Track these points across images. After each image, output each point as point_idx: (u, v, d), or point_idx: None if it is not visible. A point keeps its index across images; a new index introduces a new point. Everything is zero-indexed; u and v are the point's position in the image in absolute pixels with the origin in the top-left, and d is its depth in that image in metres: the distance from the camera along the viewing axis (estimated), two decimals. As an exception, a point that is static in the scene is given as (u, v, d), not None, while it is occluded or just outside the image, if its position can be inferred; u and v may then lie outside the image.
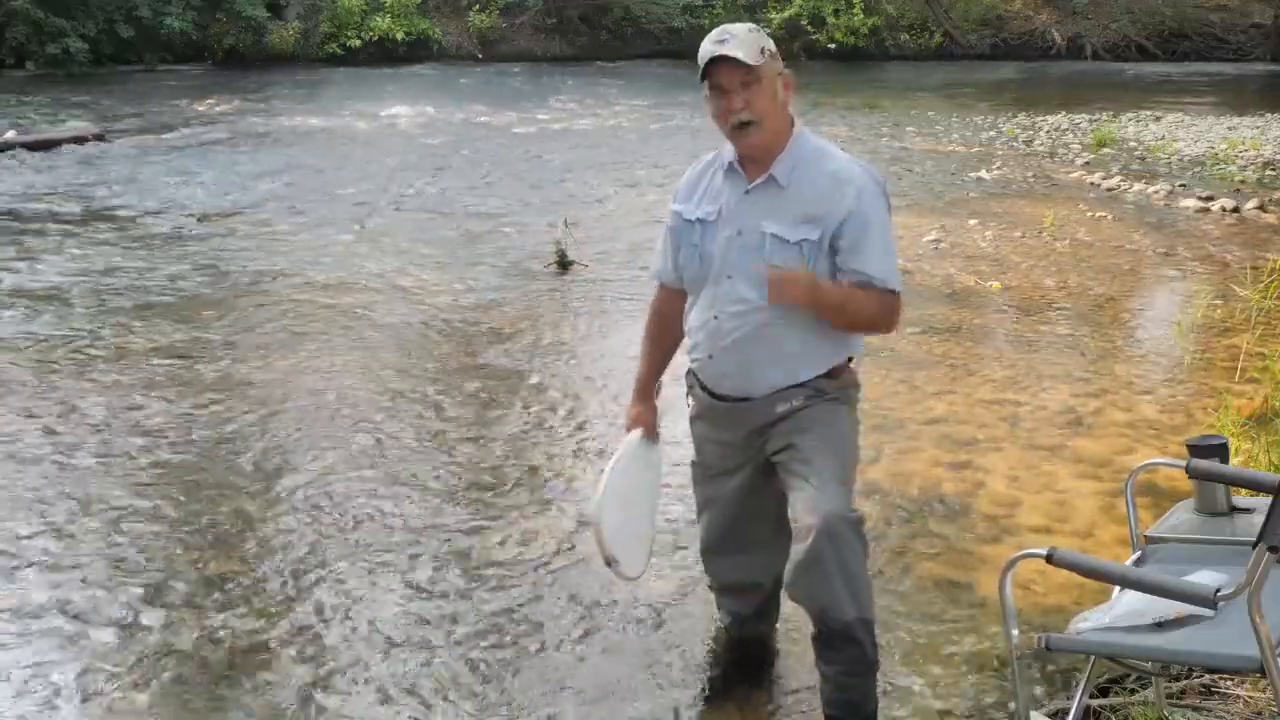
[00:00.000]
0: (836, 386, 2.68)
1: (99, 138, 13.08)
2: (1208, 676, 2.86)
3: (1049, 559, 2.29)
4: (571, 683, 3.00)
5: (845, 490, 2.58)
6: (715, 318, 2.65)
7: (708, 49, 2.52)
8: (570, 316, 6.60)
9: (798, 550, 2.50)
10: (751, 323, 2.60)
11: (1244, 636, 2.09)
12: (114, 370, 5.45)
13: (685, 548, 3.62)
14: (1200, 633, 2.23)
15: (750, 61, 2.49)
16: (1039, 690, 2.94)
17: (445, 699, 2.93)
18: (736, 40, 2.51)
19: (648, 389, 2.95)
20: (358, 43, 25.63)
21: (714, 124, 2.61)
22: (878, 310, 2.61)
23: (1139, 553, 2.65)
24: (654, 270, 2.89)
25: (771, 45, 2.57)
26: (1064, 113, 16.59)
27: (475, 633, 3.23)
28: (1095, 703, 2.77)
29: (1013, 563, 2.38)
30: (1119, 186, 10.93)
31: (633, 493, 2.88)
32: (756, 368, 2.63)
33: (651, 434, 2.95)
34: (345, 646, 3.15)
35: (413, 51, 26.03)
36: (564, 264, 7.57)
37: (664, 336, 2.91)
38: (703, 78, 2.55)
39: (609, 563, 2.80)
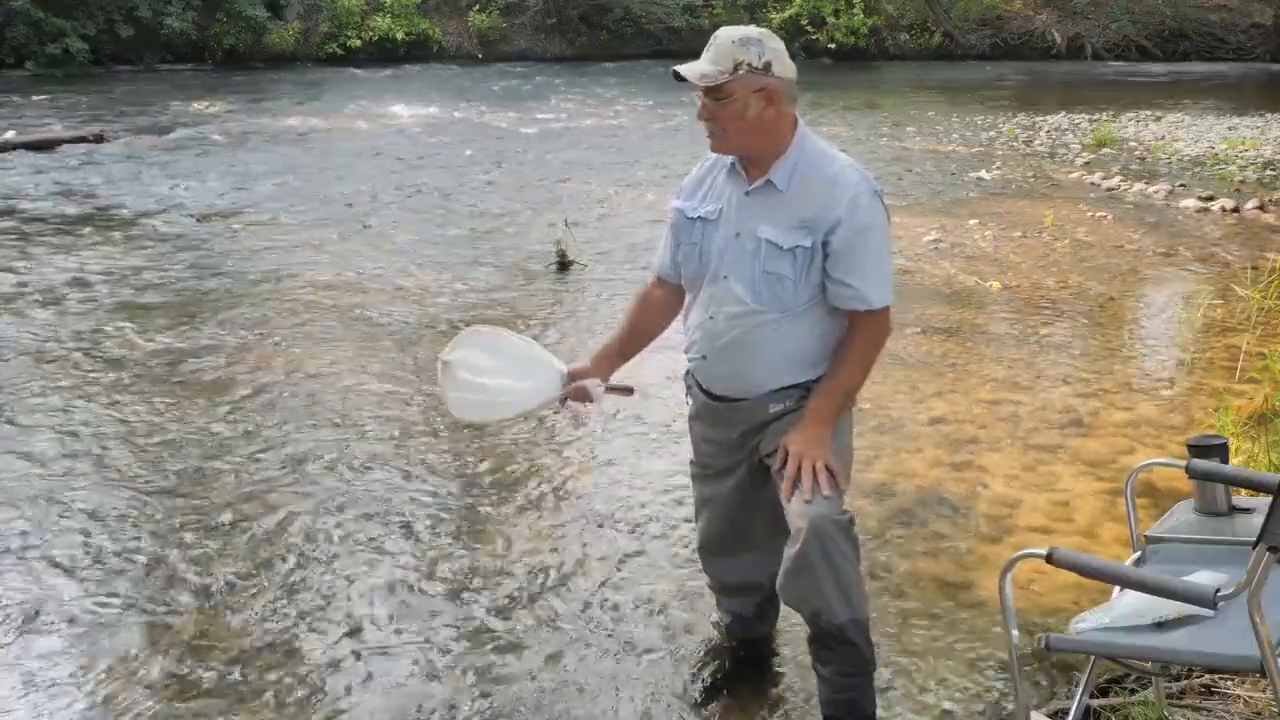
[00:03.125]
0: (830, 389, 2.67)
1: (99, 138, 13.07)
2: (1208, 676, 2.87)
3: (1049, 559, 2.29)
4: (571, 683, 3.00)
5: (835, 492, 2.55)
6: (711, 318, 2.63)
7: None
8: (570, 317, 6.60)
9: (788, 554, 2.50)
10: (747, 325, 2.58)
11: (1244, 636, 2.09)
12: (114, 369, 5.45)
13: (684, 548, 3.63)
14: (1200, 633, 2.23)
15: (699, 82, 2.46)
16: (1039, 690, 2.94)
17: (443, 697, 2.93)
18: (710, 53, 2.48)
19: (603, 357, 2.82)
20: (358, 43, 25.70)
21: None
22: (871, 342, 2.60)
23: (1139, 553, 2.65)
24: (654, 265, 2.87)
25: (755, 58, 2.46)
26: (1064, 113, 16.60)
27: (473, 632, 3.23)
28: (1095, 703, 2.77)
29: (1013, 563, 2.38)
30: (1119, 186, 10.94)
31: (506, 362, 2.77)
32: (752, 369, 2.62)
33: (584, 392, 2.76)
34: (344, 645, 3.15)
35: (413, 51, 26.10)
36: (564, 264, 7.58)
37: (639, 318, 2.84)
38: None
39: (442, 365, 2.74)
